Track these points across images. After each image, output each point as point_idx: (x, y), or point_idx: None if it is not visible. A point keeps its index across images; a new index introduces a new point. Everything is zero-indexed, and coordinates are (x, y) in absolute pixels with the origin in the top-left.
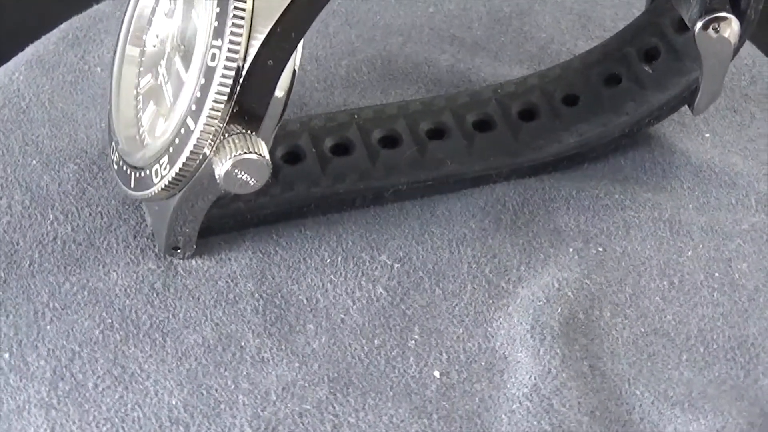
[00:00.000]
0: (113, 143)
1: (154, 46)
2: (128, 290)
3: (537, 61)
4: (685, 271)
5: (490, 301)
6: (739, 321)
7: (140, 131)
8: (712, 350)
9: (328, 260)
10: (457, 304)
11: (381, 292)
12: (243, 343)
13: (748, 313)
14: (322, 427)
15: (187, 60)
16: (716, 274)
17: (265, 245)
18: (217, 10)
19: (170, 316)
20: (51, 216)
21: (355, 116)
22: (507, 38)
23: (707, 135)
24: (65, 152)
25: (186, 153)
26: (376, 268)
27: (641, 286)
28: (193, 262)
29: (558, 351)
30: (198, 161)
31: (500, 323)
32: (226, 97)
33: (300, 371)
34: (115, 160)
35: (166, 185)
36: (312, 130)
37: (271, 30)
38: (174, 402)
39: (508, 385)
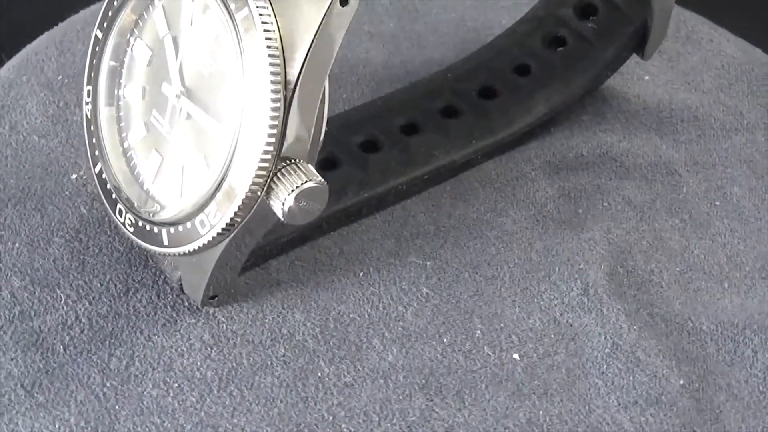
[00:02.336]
0: (121, 205)
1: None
2: (180, 350)
3: (461, 41)
4: (690, 207)
5: (531, 276)
6: (757, 240)
7: (143, 186)
8: (746, 273)
9: (361, 273)
10: (501, 287)
11: (427, 293)
12: (320, 374)
13: (761, 231)
14: None
15: (202, 101)
16: (717, 203)
17: (292, 274)
18: (244, 44)
19: (235, 365)
20: (62, 296)
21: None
22: (422, 26)
23: (647, 78)
24: (42, 228)
25: (240, 196)
26: (411, 270)
27: (657, 229)
28: (230, 307)
29: (618, 306)
30: (253, 202)
31: (550, 294)
32: (276, 131)
33: (388, 387)
34: (129, 222)
35: (217, 234)
36: None
37: (308, 52)
38: None
39: (587, 350)
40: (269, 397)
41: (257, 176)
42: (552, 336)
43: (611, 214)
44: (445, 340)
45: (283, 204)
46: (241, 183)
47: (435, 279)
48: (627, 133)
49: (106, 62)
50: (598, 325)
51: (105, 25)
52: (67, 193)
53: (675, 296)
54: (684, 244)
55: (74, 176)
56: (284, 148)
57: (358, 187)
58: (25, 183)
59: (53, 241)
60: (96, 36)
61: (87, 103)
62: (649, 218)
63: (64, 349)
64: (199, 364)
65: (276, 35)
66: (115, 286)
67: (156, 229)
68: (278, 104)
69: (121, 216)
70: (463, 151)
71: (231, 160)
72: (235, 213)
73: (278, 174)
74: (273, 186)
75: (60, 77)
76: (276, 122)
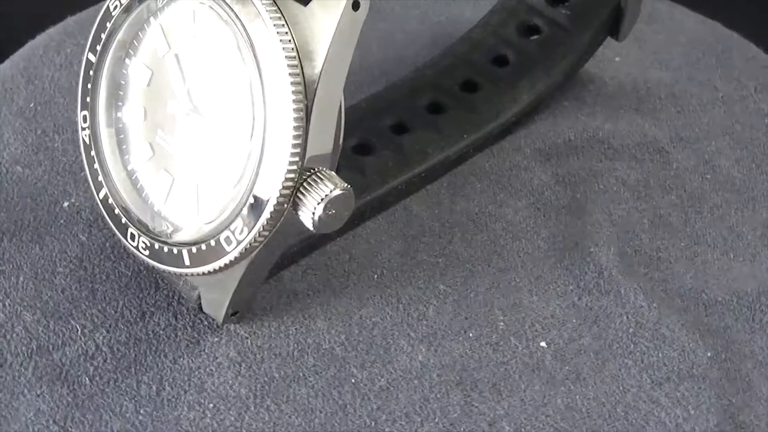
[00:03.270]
0: (133, 229)
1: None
2: (208, 369)
3: (430, 36)
4: (684, 182)
5: (543, 264)
6: (752, 209)
7: (154, 207)
8: (749, 242)
9: (375, 276)
10: (515, 277)
11: (444, 289)
12: (353, 380)
13: (756, 200)
14: (482, 427)
15: (216, 117)
16: (708, 176)
17: (306, 283)
18: (260, 55)
19: (267, 380)
20: (77, 326)
21: None
22: (388, 25)
23: (617, 59)
24: (43, 260)
25: (269, 209)
26: (424, 268)
27: (655, 206)
28: (250, 322)
29: (634, 285)
30: (281, 215)
31: (565, 280)
32: (300, 141)
33: (424, 386)
34: (143, 245)
35: (245, 249)
36: None
37: (325, 59)
38: None
39: (611, 332)
40: (307, 408)
41: (284, 188)
42: (574, 321)
43: (609, 196)
44: (470, 334)
45: (313, 214)
46: (268, 196)
47: (449, 275)
48: (609, 115)
49: (104, 85)
50: (618, 305)
51: (98, 48)
52: (62, 221)
53: (685, 271)
54: (684, 219)
55: (66, 204)
56: (307, 157)
57: (358, 191)
58: (16, 215)
59: (57, 271)
60: (88, 60)
61: (84, 129)
62: (645, 197)
63: (90, 380)
64: (230, 382)
65: (292, 44)
66: (130, 311)
67: (175, 250)
68: (301, 114)
69: (133, 240)
70: (457, 145)
71: (256, 174)
72: (263, 227)
73: (304, 184)
74: (300, 197)
75: (32, 105)
76: (299, 132)
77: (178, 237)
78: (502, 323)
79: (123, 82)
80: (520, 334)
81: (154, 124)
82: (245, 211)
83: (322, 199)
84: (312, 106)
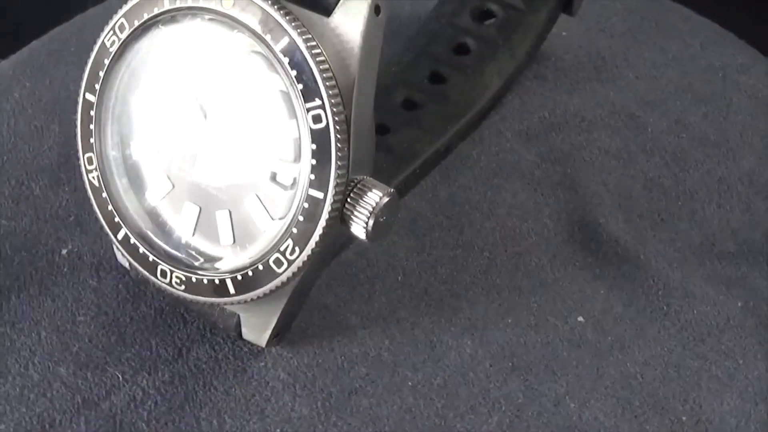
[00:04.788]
0: (165, 266)
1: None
2: (264, 395)
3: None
4: (662, 143)
5: (556, 240)
6: (733, 161)
7: (181, 240)
8: (740, 192)
9: (399, 278)
10: (533, 258)
11: (469, 280)
12: (410, 383)
13: (733, 152)
14: (549, 408)
15: (247, 140)
16: (683, 135)
17: (333, 295)
18: (293, 73)
19: (325, 396)
20: (117, 374)
21: None
22: None
23: (564, 33)
24: (60, 311)
25: (321, 225)
26: (444, 262)
27: (644, 170)
28: (290, 342)
29: (650, 249)
30: (332, 230)
31: (582, 253)
32: (347, 151)
33: (480, 378)
34: (177, 281)
35: (297, 269)
36: None
37: (358, 66)
38: None
39: (641, 296)
40: (374, 417)
41: (335, 201)
42: (602, 292)
43: (597, 167)
44: (509, 320)
45: (366, 225)
46: (319, 214)
47: (470, 266)
48: (573, 89)
49: (108, 123)
50: (641, 270)
51: (96, 86)
52: (65, 270)
53: (689, 228)
54: (674, 179)
55: (64, 251)
56: (351, 168)
57: None
58: (15, 270)
59: (78, 320)
60: (87, 100)
61: (90, 171)
62: (631, 163)
63: (147, 425)
64: (290, 404)
65: (323, 57)
66: (165, 350)
67: (217, 280)
68: (343, 126)
69: (165, 277)
70: (443, 138)
71: (304, 193)
72: (316, 243)
73: (351, 196)
74: (350, 209)
75: None
76: (344, 144)
77: (222, 266)
78: (535, 304)
79: (129, 118)
80: (555, 312)
81: (171, 155)
82: (295, 230)
83: (372, 209)
84: (351, 115)
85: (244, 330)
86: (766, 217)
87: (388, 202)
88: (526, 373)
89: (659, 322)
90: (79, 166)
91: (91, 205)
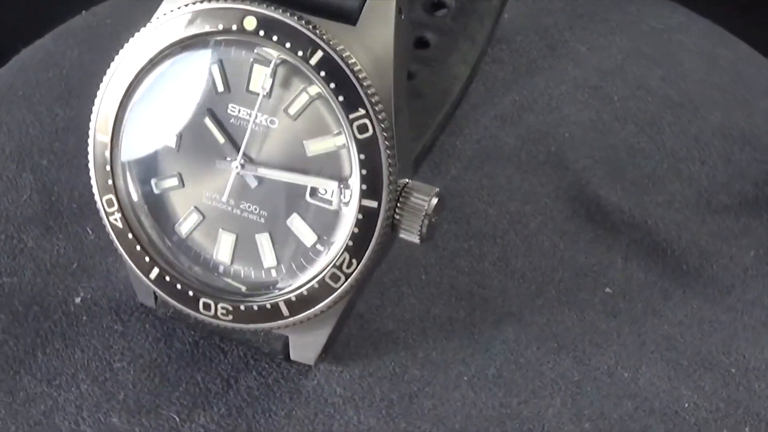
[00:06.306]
0: (207, 299)
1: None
2: (327, 413)
3: None
4: (631, 109)
5: (558, 219)
6: (698, 117)
7: (219, 269)
8: (718, 146)
9: (423, 277)
10: (542, 239)
11: (490, 268)
12: (466, 377)
13: (699, 109)
14: (605, 380)
15: (283, 160)
16: (648, 99)
17: (362, 302)
18: (332, 85)
19: (388, 403)
20: (172, 415)
21: None
22: None
23: (506, 15)
24: (93, 361)
25: (376, 236)
26: (461, 255)
27: (622, 137)
28: (335, 356)
29: (652, 213)
30: (386, 238)
31: (589, 227)
32: (396, 158)
33: (531, 362)
34: (222, 312)
35: (356, 281)
36: None
37: (393, 69)
38: None
39: (658, 258)
40: (441, 416)
41: (388, 209)
42: (620, 260)
43: (577, 141)
44: (539, 302)
45: (420, 229)
46: (374, 223)
47: (487, 254)
48: (533, 69)
49: (127, 162)
50: (651, 234)
51: (109, 125)
52: (84, 318)
53: (682, 189)
54: (652, 142)
55: (78, 300)
56: (397, 173)
57: None
58: (32, 326)
59: (115, 368)
60: (99, 140)
61: (111, 214)
62: (608, 132)
63: None
64: (355, 418)
65: (359, 66)
66: (213, 383)
67: (269, 305)
68: (390, 132)
69: (208, 310)
70: (428, 132)
71: (357, 204)
72: (373, 253)
73: (400, 201)
74: (401, 215)
75: None
76: (390, 152)
77: (278, 291)
78: (561, 284)
79: (148, 152)
80: (581, 286)
81: (198, 186)
82: (352, 241)
83: (425, 212)
84: (393, 120)
85: (291, 351)
86: (749, 167)
87: (437, 204)
88: (572, 350)
89: (683, 281)
90: (98, 210)
91: (116, 249)
